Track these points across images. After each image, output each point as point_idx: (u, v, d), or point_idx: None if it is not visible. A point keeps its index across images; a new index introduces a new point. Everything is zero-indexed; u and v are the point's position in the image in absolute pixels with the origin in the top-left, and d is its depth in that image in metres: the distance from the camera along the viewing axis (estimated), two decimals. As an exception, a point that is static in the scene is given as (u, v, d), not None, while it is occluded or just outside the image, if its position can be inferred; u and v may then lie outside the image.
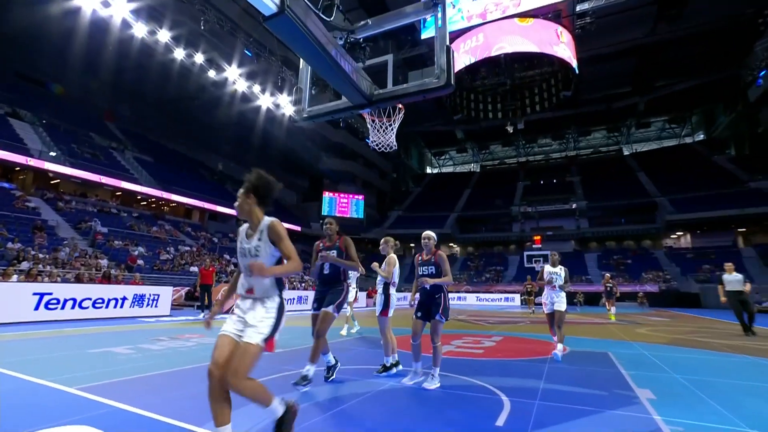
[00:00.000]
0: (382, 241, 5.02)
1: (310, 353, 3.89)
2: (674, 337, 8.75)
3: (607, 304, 14.15)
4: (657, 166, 40.96)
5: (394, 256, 4.89)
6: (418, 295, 4.31)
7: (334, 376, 4.20)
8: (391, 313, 4.74)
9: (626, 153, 49.29)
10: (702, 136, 45.15)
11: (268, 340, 2.18)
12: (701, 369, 5.10)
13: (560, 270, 6.01)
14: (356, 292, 9.23)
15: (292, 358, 5.33)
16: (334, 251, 4.05)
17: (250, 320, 2.18)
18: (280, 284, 2.32)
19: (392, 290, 4.76)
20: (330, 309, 3.89)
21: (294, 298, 16.90)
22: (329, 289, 4.03)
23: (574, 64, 20.48)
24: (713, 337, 8.60)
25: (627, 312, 18.96)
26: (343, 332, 8.28)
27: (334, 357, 4.26)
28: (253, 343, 2.11)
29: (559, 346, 5.65)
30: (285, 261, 2.25)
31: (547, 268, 6.13)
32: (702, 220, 31.53)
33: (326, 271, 4.10)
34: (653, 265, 31.39)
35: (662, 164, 40.97)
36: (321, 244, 4.22)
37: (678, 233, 35.62)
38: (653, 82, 36.42)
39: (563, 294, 5.88)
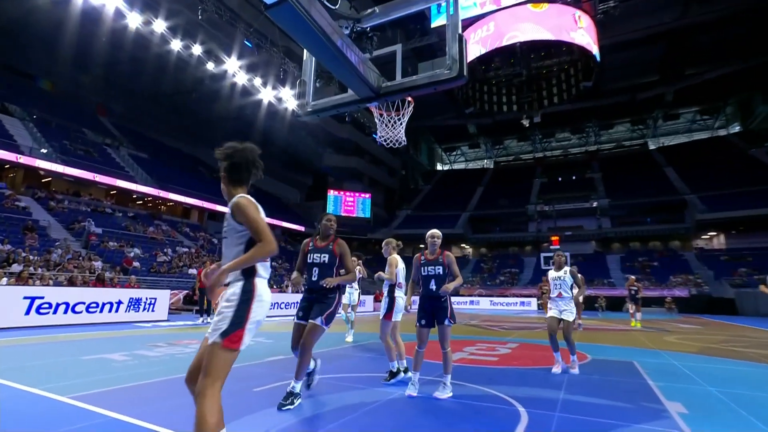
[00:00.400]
0: (384, 243, 5.13)
1: (295, 369, 3.64)
2: (706, 346, 8.62)
3: (631, 308, 13.95)
4: (686, 160, 40.45)
5: (396, 257, 4.95)
6: (415, 298, 4.26)
7: (316, 379, 3.94)
8: (398, 317, 4.79)
9: (652, 147, 48.77)
10: (738, 127, 44.39)
11: (229, 335, 1.88)
12: (738, 381, 5.01)
13: (565, 274, 5.44)
14: (359, 294, 9.11)
15: (294, 366, 5.34)
16: (326, 254, 3.74)
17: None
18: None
19: (398, 292, 4.78)
20: (318, 321, 3.54)
21: (297, 302, 16.98)
22: (318, 298, 3.67)
23: (595, 51, 20.27)
24: (750, 347, 8.46)
25: (654, 318, 18.74)
26: (349, 338, 8.32)
27: (312, 359, 3.94)
28: (209, 343, 1.90)
29: (573, 358, 5.24)
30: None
31: (551, 273, 5.59)
32: (737, 219, 31.02)
33: (315, 278, 3.70)
34: (683, 268, 31.00)
35: (692, 159, 40.44)
36: (311, 243, 3.87)
37: (710, 233, 35.11)
38: (683, 70, 35.93)
39: (572, 302, 5.43)
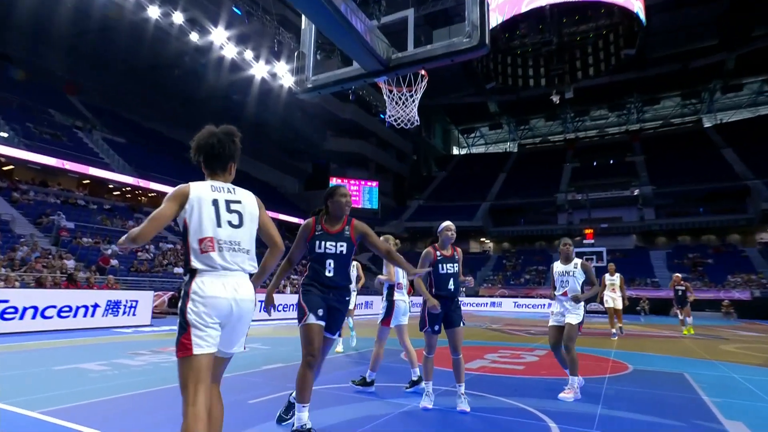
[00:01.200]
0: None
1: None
2: (771, 356, 8.54)
3: (679, 313, 13.75)
4: (750, 140, 39.59)
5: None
6: (414, 299, 4.32)
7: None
8: (404, 320, 4.94)
9: (707, 125, 47.93)
10: (817, 100, 43.30)
11: (177, 344, 1.97)
12: (805, 397, 4.95)
13: (576, 268, 4.84)
14: (355, 296, 8.97)
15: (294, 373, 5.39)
16: (344, 243, 3.33)
17: None
18: (185, 261, 2.10)
19: (398, 294, 4.88)
20: (336, 336, 3.53)
21: (295, 303, 17.09)
22: (337, 300, 3.34)
23: (639, 11, 19.82)
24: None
25: (708, 324, 18.56)
26: (354, 343, 8.44)
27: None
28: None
29: (574, 380, 4.58)
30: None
31: (556, 266, 5.04)
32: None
33: (330, 273, 3.29)
34: (743, 266, 30.54)
35: (757, 138, 39.45)
36: (320, 228, 3.35)
37: (778, 226, 34.52)
38: (749, 31, 34.72)
39: (581, 304, 4.79)
